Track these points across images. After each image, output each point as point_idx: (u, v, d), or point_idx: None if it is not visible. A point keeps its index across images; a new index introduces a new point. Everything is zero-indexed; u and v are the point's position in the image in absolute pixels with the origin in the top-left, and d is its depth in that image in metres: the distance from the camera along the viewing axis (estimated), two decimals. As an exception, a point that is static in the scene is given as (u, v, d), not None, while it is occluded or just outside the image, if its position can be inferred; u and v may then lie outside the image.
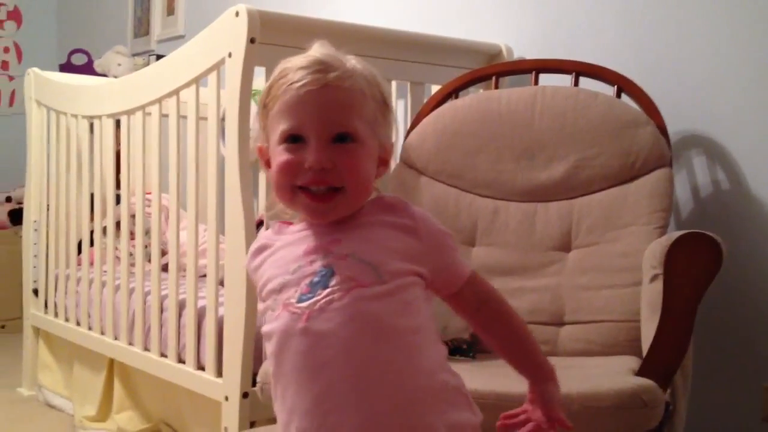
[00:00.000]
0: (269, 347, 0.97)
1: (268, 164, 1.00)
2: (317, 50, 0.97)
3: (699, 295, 1.34)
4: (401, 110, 2.27)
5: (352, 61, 0.97)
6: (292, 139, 0.94)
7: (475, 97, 1.94)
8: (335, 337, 0.91)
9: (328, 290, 0.92)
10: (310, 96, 0.93)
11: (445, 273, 0.99)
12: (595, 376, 1.33)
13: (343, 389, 0.90)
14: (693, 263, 1.34)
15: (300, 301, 0.93)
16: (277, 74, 0.97)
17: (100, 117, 2.51)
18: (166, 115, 2.15)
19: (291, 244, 0.99)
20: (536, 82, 1.96)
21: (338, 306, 0.91)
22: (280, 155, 0.95)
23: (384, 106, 0.99)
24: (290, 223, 1.02)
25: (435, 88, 2.11)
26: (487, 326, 1.02)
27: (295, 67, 0.95)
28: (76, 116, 2.65)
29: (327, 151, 0.93)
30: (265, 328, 0.98)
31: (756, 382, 1.81)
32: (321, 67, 0.94)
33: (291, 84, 0.94)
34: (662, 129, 1.77)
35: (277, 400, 0.97)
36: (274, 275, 0.98)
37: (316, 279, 0.94)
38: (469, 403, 0.97)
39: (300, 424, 0.92)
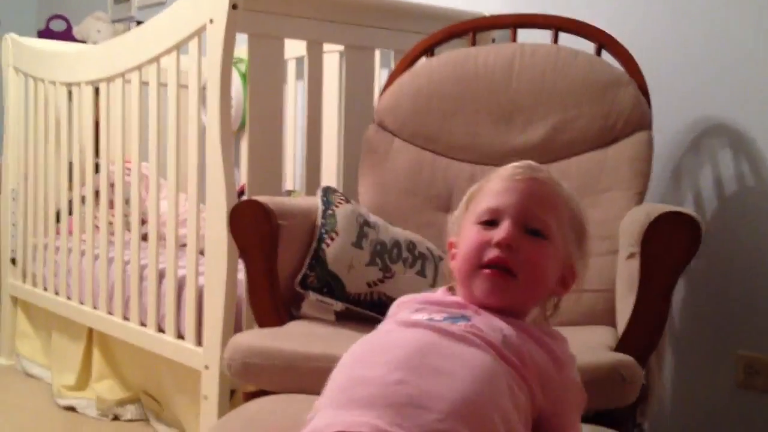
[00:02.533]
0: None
1: (453, 257, 1.04)
2: (529, 162, 1.04)
3: (676, 277, 1.31)
4: (384, 79, 2.25)
5: (562, 182, 1.04)
6: (488, 222, 0.99)
7: (451, 55, 1.87)
8: (437, 336, 0.92)
9: (455, 326, 0.94)
10: (516, 184, 0.99)
11: (552, 422, 0.96)
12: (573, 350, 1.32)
13: (417, 365, 0.88)
14: (671, 245, 1.30)
15: (427, 319, 0.96)
16: (493, 173, 1.04)
17: (78, 84, 2.48)
18: (147, 83, 2.12)
19: (446, 298, 1.03)
20: (515, 39, 1.91)
21: (457, 330, 0.93)
22: (473, 234, 0.99)
23: (581, 235, 1.03)
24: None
25: (419, 58, 2.08)
26: None
27: (508, 165, 1.03)
28: (54, 83, 2.61)
29: (517, 234, 0.97)
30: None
31: (730, 350, 1.83)
32: (532, 167, 1.02)
33: (501, 175, 1.01)
34: (643, 89, 1.72)
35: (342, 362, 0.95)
36: (416, 306, 1.01)
37: (449, 315, 0.97)
38: None
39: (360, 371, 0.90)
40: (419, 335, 0.92)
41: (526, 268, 0.96)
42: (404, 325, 0.96)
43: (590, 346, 1.34)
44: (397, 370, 0.87)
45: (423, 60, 1.94)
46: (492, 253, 0.96)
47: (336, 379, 0.92)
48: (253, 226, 1.55)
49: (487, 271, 0.97)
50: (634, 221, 1.42)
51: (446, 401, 0.84)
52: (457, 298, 1.01)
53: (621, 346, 1.31)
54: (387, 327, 0.99)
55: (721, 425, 1.85)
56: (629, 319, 1.32)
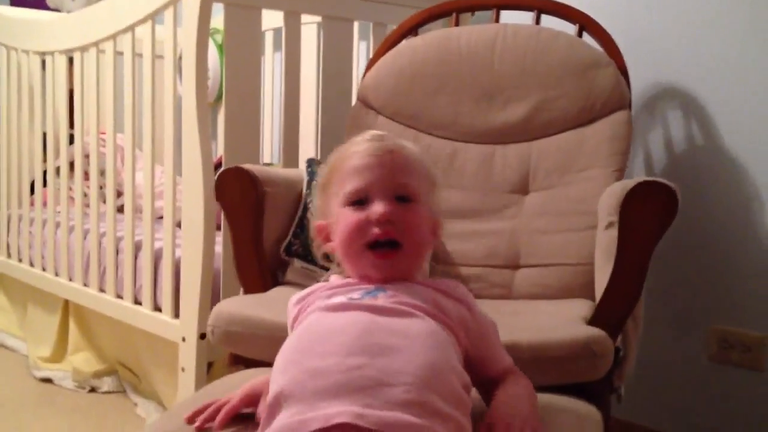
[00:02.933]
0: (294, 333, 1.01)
1: (326, 239, 1.08)
2: (371, 132, 1.09)
3: (652, 245, 1.33)
4: (363, 52, 2.24)
5: (403, 141, 1.10)
6: (358, 202, 1.03)
7: (435, 35, 1.88)
8: (373, 315, 0.96)
9: (380, 300, 0.98)
10: (375, 159, 1.03)
11: (482, 354, 1.02)
12: (546, 325, 1.32)
13: (361, 346, 0.91)
14: (648, 213, 1.32)
15: (351, 299, 1.00)
16: (339, 152, 1.08)
17: (52, 53, 2.44)
18: (121, 53, 2.09)
19: (347, 281, 1.06)
20: (497, 19, 1.92)
21: (381, 302, 0.97)
22: (347, 216, 1.03)
23: (432, 183, 1.09)
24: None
25: (397, 31, 2.08)
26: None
27: (356, 141, 1.07)
28: (27, 52, 2.57)
29: (391, 206, 1.01)
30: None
31: (703, 325, 1.86)
32: (381, 138, 1.07)
33: (355, 153, 1.05)
34: (623, 70, 1.74)
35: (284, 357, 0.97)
36: (323, 294, 1.04)
37: (366, 291, 1.00)
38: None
39: (313, 362, 0.91)
40: (357, 317, 0.95)
41: (408, 234, 1.02)
42: (334, 309, 0.98)
43: (566, 318, 1.36)
44: (351, 355, 0.89)
45: (406, 40, 1.94)
46: (375, 231, 1.01)
47: (287, 373, 0.92)
48: (239, 193, 1.56)
49: (374, 252, 1.01)
50: (612, 194, 1.44)
51: (407, 374, 0.87)
52: (355, 279, 1.05)
53: (597, 314, 1.33)
54: (314, 316, 1.00)
55: (695, 398, 1.88)
56: (606, 286, 1.34)
